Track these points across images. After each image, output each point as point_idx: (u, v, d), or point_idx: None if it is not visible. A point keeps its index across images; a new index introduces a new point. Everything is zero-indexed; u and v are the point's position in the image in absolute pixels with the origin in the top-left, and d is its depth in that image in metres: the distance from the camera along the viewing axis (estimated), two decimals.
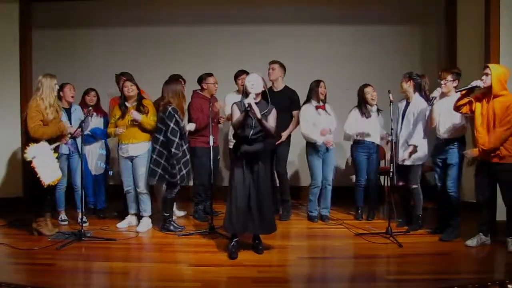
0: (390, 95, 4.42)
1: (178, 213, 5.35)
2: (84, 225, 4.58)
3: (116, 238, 4.46)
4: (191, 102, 5.18)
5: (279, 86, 5.24)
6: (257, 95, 3.93)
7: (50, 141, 4.41)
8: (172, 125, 4.56)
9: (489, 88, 3.94)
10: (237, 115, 3.95)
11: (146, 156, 4.70)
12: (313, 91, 5.04)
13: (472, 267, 3.82)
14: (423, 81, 4.72)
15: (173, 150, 4.57)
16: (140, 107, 4.71)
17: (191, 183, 5.15)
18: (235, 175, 3.99)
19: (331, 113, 5.11)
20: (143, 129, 4.70)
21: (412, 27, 6.43)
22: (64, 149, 4.81)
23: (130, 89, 4.72)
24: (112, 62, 6.22)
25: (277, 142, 5.03)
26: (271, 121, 3.97)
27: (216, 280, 3.49)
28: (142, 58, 6.36)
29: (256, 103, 3.89)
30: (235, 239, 4.00)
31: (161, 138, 4.60)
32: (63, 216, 5.07)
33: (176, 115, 4.56)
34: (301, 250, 4.32)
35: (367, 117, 5.06)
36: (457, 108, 4.13)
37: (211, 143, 4.73)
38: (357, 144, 5.13)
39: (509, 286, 3.13)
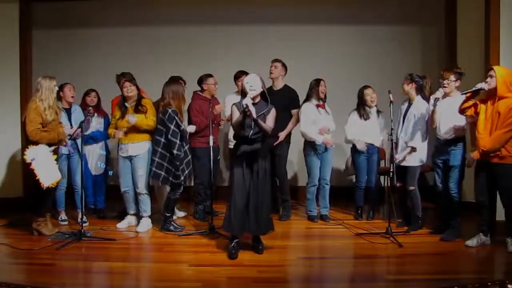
0: (390, 95, 4.41)
1: (178, 213, 5.35)
2: (84, 225, 4.58)
3: (116, 238, 4.46)
4: (191, 103, 5.18)
5: (278, 85, 5.23)
6: (255, 95, 3.94)
7: (49, 143, 4.41)
8: (172, 127, 4.56)
9: (494, 90, 3.93)
10: (236, 116, 3.95)
11: (146, 156, 4.70)
12: (314, 90, 5.05)
13: (472, 267, 3.82)
14: (424, 82, 4.72)
15: (175, 151, 4.57)
16: (138, 107, 4.71)
17: (192, 183, 5.15)
18: (235, 175, 3.99)
19: (330, 114, 5.12)
20: (143, 129, 4.70)
21: (412, 27, 6.43)
22: (64, 150, 4.82)
23: (129, 90, 4.72)
24: (112, 62, 6.22)
25: (275, 143, 5.02)
26: (270, 121, 3.97)
27: (216, 280, 3.49)
28: (142, 58, 6.36)
29: (255, 104, 3.90)
30: (235, 240, 4.00)
31: (163, 140, 4.60)
32: (63, 216, 5.08)
33: (176, 117, 4.57)
34: (301, 250, 4.32)
35: (365, 119, 5.05)
36: (462, 111, 4.12)
37: (211, 143, 4.74)
38: None
39: (509, 286, 3.14)
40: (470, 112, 4.08)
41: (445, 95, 4.35)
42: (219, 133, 5.52)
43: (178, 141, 4.58)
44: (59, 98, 4.88)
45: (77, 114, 5.06)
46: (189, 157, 4.73)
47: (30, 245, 4.22)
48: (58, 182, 4.46)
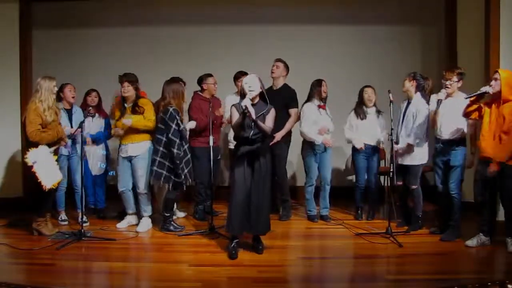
0: (390, 95, 4.41)
1: (178, 213, 5.35)
2: (84, 225, 4.58)
3: (116, 238, 4.46)
4: (191, 103, 5.18)
5: (278, 85, 5.23)
6: (254, 96, 3.93)
7: (50, 144, 4.42)
8: (173, 126, 4.56)
9: (499, 93, 3.92)
10: (236, 117, 3.96)
11: (146, 156, 4.70)
12: (316, 90, 5.05)
13: (472, 267, 3.82)
14: (426, 84, 4.72)
15: (174, 150, 4.57)
16: (135, 108, 4.70)
17: (191, 182, 5.15)
18: (236, 175, 3.99)
19: (330, 115, 5.12)
20: (142, 130, 4.70)
21: (412, 27, 6.43)
22: (64, 151, 4.82)
23: (126, 90, 4.71)
24: (112, 62, 6.23)
25: (271, 143, 4.99)
26: (269, 121, 3.97)
27: (216, 280, 3.49)
28: (142, 58, 6.35)
29: (254, 104, 3.90)
30: (235, 240, 4.00)
31: (164, 139, 4.60)
32: (63, 216, 5.08)
33: (177, 117, 4.57)
34: (301, 250, 4.32)
35: (362, 119, 5.05)
36: (466, 115, 4.12)
37: (211, 143, 4.74)
38: None
39: (509, 286, 3.14)
40: (475, 115, 4.08)
41: (447, 95, 4.34)
42: (219, 133, 5.53)
43: (178, 140, 4.58)
44: (59, 98, 4.88)
45: (78, 115, 5.06)
46: (189, 155, 4.72)
47: (30, 245, 4.22)
48: (59, 183, 4.47)
